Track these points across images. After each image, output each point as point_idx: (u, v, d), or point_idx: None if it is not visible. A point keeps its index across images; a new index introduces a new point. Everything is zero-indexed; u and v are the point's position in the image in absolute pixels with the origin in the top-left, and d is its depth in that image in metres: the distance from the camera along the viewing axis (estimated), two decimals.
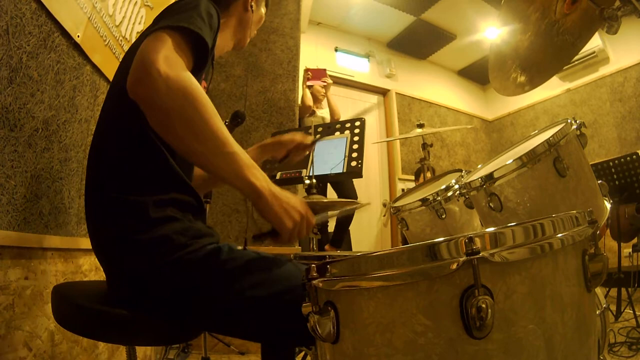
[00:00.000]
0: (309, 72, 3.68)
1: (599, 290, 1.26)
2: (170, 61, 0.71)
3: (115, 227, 0.82)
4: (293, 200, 0.80)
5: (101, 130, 0.90)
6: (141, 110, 0.73)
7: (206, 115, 0.71)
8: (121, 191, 0.82)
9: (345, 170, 1.77)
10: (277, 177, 1.82)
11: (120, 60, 0.99)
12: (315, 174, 1.67)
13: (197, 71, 0.80)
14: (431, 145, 2.40)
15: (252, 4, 1.10)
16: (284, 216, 0.78)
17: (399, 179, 4.78)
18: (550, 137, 0.94)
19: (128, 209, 0.81)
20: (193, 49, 0.78)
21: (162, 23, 0.77)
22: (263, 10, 1.18)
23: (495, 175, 1.00)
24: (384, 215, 4.64)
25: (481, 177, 1.03)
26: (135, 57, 0.72)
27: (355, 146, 1.79)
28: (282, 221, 0.78)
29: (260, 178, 0.76)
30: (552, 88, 4.90)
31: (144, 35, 0.87)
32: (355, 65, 5.01)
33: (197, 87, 0.72)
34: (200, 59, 0.80)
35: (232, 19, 1.09)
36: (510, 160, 0.97)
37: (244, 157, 0.75)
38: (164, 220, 0.81)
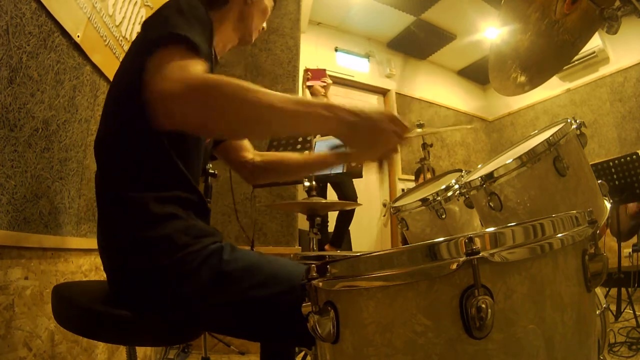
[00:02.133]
0: (309, 72, 3.68)
1: (599, 290, 1.26)
2: (174, 76, 0.69)
3: (118, 225, 0.83)
4: (370, 118, 0.75)
5: (104, 129, 0.90)
6: (146, 109, 0.73)
7: (239, 99, 0.69)
8: (124, 189, 0.82)
9: (345, 170, 1.77)
10: None
11: (121, 60, 0.99)
12: (315, 174, 1.67)
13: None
14: (431, 145, 2.40)
15: None
16: (365, 144, 0.76)
17: (399, 179, 4.77)
18: (550, 136, 0.94)
19: (130, 205, 0.82)
20: (189, 49, 0.75)
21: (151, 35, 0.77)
22: (269, 1, 1.13)
23: (495, 174, 1.00)
24: (384, 215, 4.64)
25: (481, 177, 1.03)
26: (147, 93, 0.70)
27: None
28: (365, 151, 0.77)
29: (327, 119, 0.73)
30: (552, 88, 4.90)
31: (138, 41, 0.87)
32: (355, 65, 5.01)
33: (212, 81, 0.69)
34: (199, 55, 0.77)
35: (233, 12, 1.05)
36: (510, 160, 0.97)
37: (298, 106, 0.72)
38: (166, 218, 0.81)
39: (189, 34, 0.75)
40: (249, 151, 1.22)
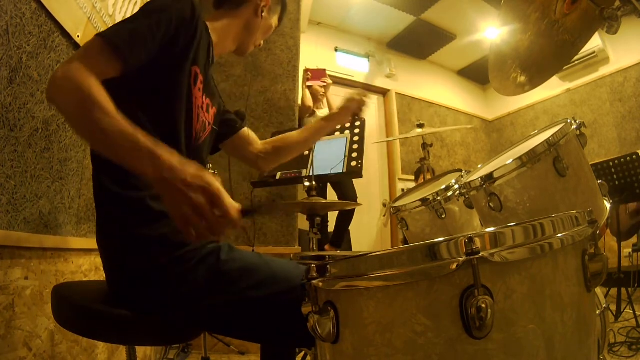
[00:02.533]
0: (309, 72, 3.67)
1: (599, 290, 1.26)
2: (67, 62, 0.75)
3: (116, 223, 0.83)
4: (191, 182, 0.65)
5: None
6: (137, 105, 0.74)
7: (82, 111, 0.69)
8: (119, 187, 0.82)
9: (345, 170, 1.77)
10: (277, 177, 1.82)
11: None
12: (315, 174, 1.68)
13: (128, 63, 0.78)
14: (431, 145, 2.40)
15: (264, 10, 1.09)
16: (174, 208, 0.66)
17: (399, 179, 4.77)
18: (550, 136, 0.94)
19: (127, 203, 0.82)
20: (110, 47, 0.76)
21: None
22: (274, 22, 1.17)
23: (495, 175, 1.00)
24: (384, 215, 4.64)
25: (481, 177, 1.03)
26: None
27: (355, 146, 1.79)
28: (173, 214, 0.66)
29: (145, 163, 0.67)
30: (552, 88, 4.89)
31: None
32: (355, 65, 5.00)
33: (80, 85, 0.70)
34: (123, 51, 0.77)
35: (240, 20, 1.08)
36: (510, 160, 0.97)
37: (126, 142, 0.68)
38: (163, 215, 0.82)
39: (118, 35, 0.77)
40: (257, 143, 1.28)
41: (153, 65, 0.83)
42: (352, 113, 1.28)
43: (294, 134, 1.32)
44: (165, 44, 0.83)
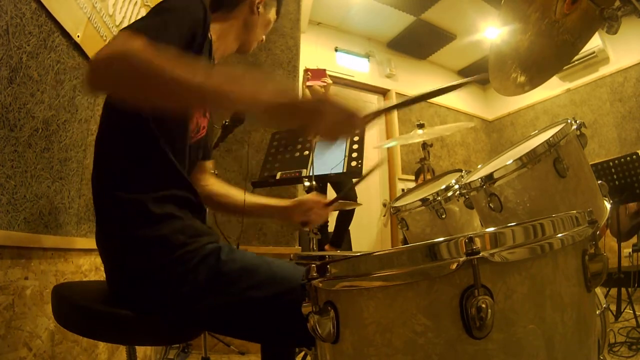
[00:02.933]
0: (309, 73, 3.67)
1: (599, 290, 1.26)
2: (107, 46, 0.69)
3: (117, 225, 0.83)
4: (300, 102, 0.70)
5: (102, 128, 0.90)
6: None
7: (146, 70, 0.65)
8: (122, 189, 0.82)
9: (345, 170, 1.77)
10: (277, 177, 1.82)
11: None
12: (315, 174, 1.67)
13: None
14: (431, 145, 2.40)
15: (259, 6, 1.09)
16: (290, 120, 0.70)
17: (399, 179, 4.77)
18: (550, 137, 0.94)
19: (129, 206, 0.82)
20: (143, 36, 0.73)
21: None
22: (272, 15, 1.16)
23: (495, 175, 1.00)
24: (384, 215, 4.64)
25: (481, 178, 1.03)
26: None
27: (355, 146, 1.79)
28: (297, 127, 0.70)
29: (249, 92, 0.66)
30: (552, 88, 4.89)
31: None
32: (355, 65, 5.00)
33: (129, 50, 0.66)
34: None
35: (237, 20, 1.08)
36: (510, 161, 0.97)
37: (206, 81, 0.66)
38: (163, 218, 0.82)
39: (149, 28, 0.75)
40: (209, 177, 1.19)
41: None
42: (300, 218, 1.18)
43: (236, 195, 1.20)
44: (184, 44, 0.82)
